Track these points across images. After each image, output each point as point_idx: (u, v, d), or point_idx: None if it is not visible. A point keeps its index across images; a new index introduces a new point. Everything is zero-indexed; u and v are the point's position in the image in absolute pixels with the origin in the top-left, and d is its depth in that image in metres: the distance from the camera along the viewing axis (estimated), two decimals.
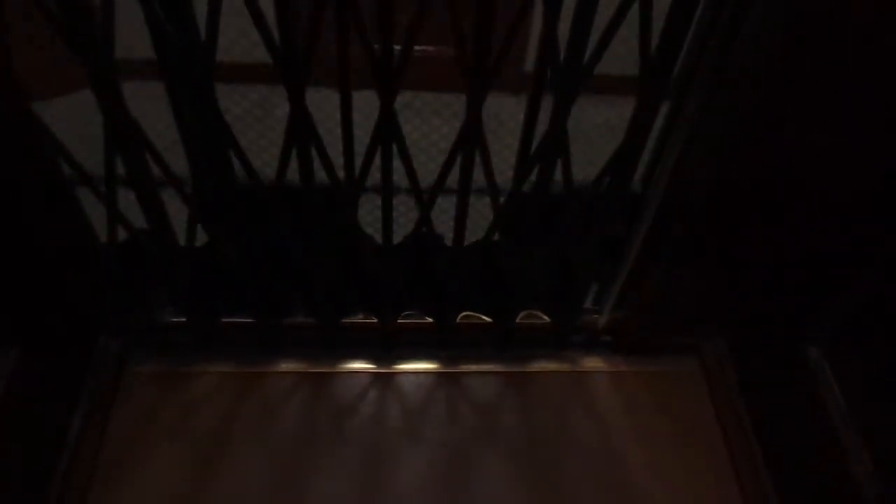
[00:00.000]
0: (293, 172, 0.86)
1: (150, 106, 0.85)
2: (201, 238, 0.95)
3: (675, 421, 1.08)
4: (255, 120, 0.86)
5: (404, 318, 1.10)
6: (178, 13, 0.70)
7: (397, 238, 0.99)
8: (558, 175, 0.90)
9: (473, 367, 1.12)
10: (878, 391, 1.04)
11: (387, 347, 1.12)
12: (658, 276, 1.00)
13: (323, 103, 0.84)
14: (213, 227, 0.93)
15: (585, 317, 1.13)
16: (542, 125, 0.84)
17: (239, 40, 0.79)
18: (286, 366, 1.10)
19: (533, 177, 0.90)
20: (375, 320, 1.10)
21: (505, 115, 0.89)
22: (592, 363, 1.13)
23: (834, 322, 1.07)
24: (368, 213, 0.99)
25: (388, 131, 0.81)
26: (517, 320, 1.11)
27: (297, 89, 0.77)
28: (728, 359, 1.11)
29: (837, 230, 0.92)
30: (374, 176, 0.86)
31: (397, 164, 0.85)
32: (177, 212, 0.91)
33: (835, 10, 0.68)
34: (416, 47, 0.74)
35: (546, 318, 1.11)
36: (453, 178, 0.88)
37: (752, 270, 0.99)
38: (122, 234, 0.94)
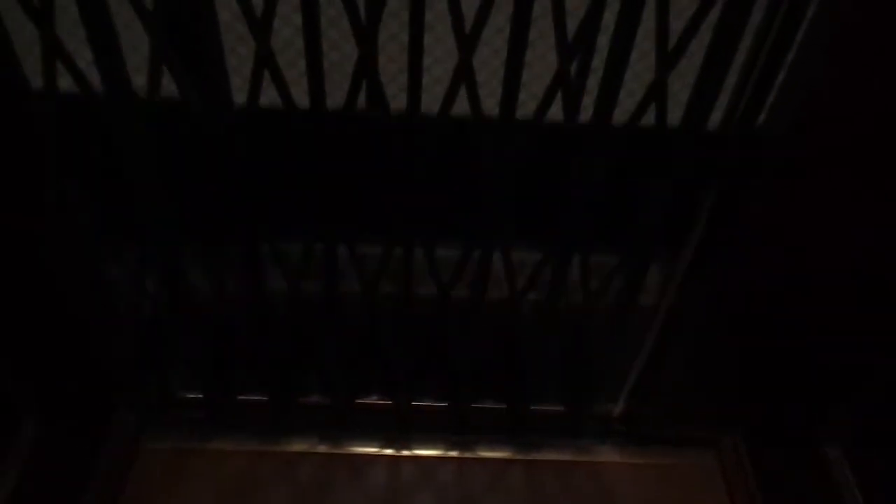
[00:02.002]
0: None
1: None
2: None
3: None
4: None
5: (418, 401, 1.10)
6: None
7: (415, 320, 1.00)
8: None
9: (486, 454, 1.11)
10: None
11: (400, 429, 1.12)
12: (674, 367, 1.00)
13: None
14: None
15: (600, 406, 1.12)
16: None
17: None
18: (300, 445, 1.09)
19: None
20: (390, 402, 1.10)
21: None
22: (607, 453, 1.12)
23: (854, 421, 1.05)
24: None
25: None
26: (531, 407, 1.10)
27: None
28: (746, 453, 1.09)
29: (856, 325, 0.92)
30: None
31: None
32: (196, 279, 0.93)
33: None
34: None
35: (560, 406, 1.11)
36: None
37: (770, 365, 0.99)
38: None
